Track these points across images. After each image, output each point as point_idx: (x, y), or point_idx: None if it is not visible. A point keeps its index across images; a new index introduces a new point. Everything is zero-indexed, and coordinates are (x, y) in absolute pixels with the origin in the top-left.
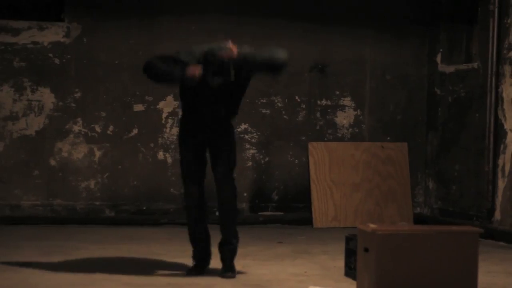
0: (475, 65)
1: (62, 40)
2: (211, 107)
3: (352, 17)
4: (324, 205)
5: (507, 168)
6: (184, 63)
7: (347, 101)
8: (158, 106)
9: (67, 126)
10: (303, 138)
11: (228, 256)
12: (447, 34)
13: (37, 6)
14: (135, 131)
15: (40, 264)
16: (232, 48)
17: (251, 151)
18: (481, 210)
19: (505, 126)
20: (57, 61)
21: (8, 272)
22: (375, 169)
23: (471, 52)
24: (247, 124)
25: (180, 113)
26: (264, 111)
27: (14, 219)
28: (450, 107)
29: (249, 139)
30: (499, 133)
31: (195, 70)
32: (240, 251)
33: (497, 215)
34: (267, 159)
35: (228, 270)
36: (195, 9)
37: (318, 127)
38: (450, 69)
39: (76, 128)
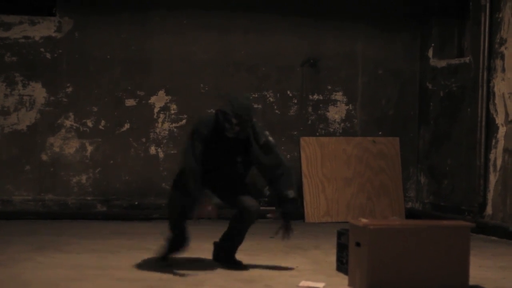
0: (467, 59)
1: (53, 34)
2: (230, 166)
3: (344, 12)
4: (316, 200)
5: (498, 162)
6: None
7: (339, 95)
8: (150, 101)
9: (58, 121)
10: (295, 133)
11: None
12: (439, 29)
13: (29, 1)
14: (127, 126)
15: (31, 259)
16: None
17: None
18: (472, 205)
19: (497, 121)
20: (48, 55)
21: None
22: (367, 163)
23: (463, 47)
24: None
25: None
26: (255, 106)
27: (5, 214)
28: (442, 102)
29: None
30: (491, 128)
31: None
32: None
33: (489, 209)
34: None
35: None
36: (187, 4)
37: (309, 122)
38: (442, 63)
39: (67, 123)
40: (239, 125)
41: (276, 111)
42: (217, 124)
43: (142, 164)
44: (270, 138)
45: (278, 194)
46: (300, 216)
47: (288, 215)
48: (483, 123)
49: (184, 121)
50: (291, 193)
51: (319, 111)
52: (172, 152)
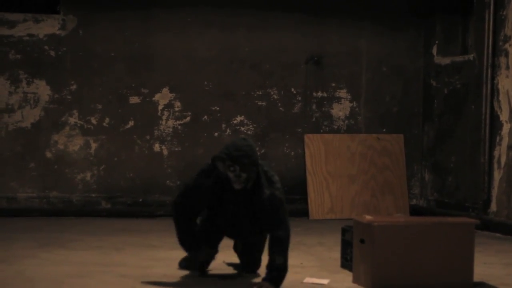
0: (471, 56)
1: (57, 32)
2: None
3: (348, 9)
4: (320, 197)
5: (503, 159)
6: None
7: (343, 93)
8: (154, 98)
9: (63, 119)
10: (299, 130)
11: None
12: (443, 26)
13: None
14: (131, 123)
15: (36, 256)
16: None
17: None
18: (477, 202)
19: (501, 118)
20: (52, 53)
21: (3, 264)
22: (371, 160)
23: (467, 44)
24: (243, 116)
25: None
26: (260, 103)
27: (10, 211)
28: (446, 99)
29: (245, 131)
30: (495, 125)
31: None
32: None
33: (493, 206)
34: (263, 151)
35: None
36: (190, 1)
37: (314, 119)
38: (446, 60)
39: (72, 120)
40: (244, 172)
41: (280, 108)
42: (218, 176)
43: (146, 161)
44: (277, 192)
45: (269, 257)
46: (304, 213)
47: (271, 283)
48: (487, 120)
49: (188, 118)
50: (279, 259)
51: (323, 108)
52: (176, 149)
